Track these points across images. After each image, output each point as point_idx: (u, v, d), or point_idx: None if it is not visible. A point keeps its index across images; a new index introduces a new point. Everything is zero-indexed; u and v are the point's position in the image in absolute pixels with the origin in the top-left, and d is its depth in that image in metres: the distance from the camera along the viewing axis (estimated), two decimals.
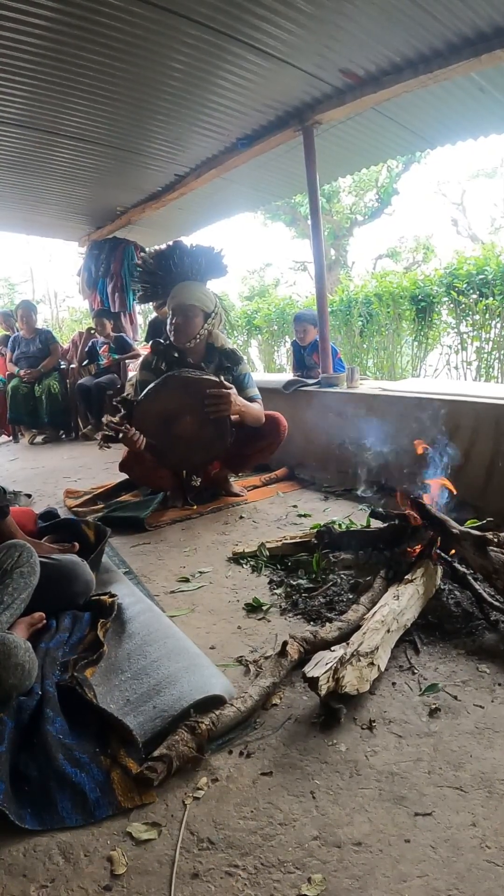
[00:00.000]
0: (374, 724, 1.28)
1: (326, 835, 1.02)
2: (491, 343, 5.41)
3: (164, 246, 2.93)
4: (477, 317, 5.42)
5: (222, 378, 2.78)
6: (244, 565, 2.23)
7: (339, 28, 2.70)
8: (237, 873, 0.96)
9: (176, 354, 2.86)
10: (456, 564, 1.81)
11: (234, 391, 2.68)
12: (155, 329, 4.94)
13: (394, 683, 1.43)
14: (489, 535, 1.71)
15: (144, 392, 2.66)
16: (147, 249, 5.85)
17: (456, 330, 5.75)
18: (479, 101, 3.42)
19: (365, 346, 6.70)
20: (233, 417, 2.72)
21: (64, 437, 5.91)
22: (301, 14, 2.59)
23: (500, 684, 1.39)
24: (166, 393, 2.65)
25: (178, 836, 1.04)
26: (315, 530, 2.21)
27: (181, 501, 2.98)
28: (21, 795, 1.11)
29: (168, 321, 2.86)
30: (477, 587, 1.70)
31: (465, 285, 5.35)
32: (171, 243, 2.90)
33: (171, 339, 2.84)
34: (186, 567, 2.26)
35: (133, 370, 5.09)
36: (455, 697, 1.35)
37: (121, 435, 2.60)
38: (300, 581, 2.02)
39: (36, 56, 2.82)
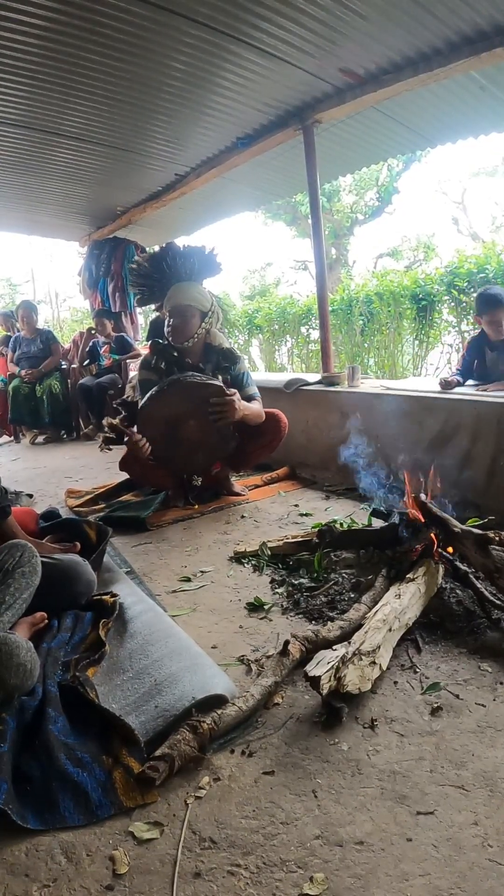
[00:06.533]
0: (375, 723, 1.28)
1: (328, 834, 1.02)
2: None
3: (156, 248, 2.94)
4: None
5: (221, 378, 2.78)
6: (246, 565, 2.23)
7: (339, 27, 2.70)
8: (239, 872, 0.96)
9: (175, 354, 2.86)
10: (457, 563, 1.81)
11: (237, 396, 2.68)
12: (156, 329, 4.93)
13: (395, 682, 1.43)
14: (491, 533, 1.71)
15: (148, 395, 2.66)
16: (147, 249, 5.87)
17: (457, 329, 5.74)
18: (479, 100, 3.42)
19: (366, 344, 6.69)
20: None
21: (65, 437, 5.92)
22: (301, 13, 2.59)
23: (501, 683, 1.39)
24: (170, 397, 2.65)
25: (180, 835, 1.04)
26: (316, 529, 2.21)
27: (182, 501, 2.98)
28: (23, 795, 1.12)
29: (166, 322, 2.87)
30: (479, 586, 1.70)
31: (465, 284, 5.34)
32: (163, 245, 2.91)
33: (170, 339, 2.85)
34: (188, 566, 2.26)
35: (134, 370, 5.10)
36: (457, 696, 1.35)
37: (126, 439, 2.60)
38: (302, 580, 2.02)
39: (36, 56, 2.82)
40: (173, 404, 2.66)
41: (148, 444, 2.61)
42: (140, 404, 2.69)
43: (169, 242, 2.93)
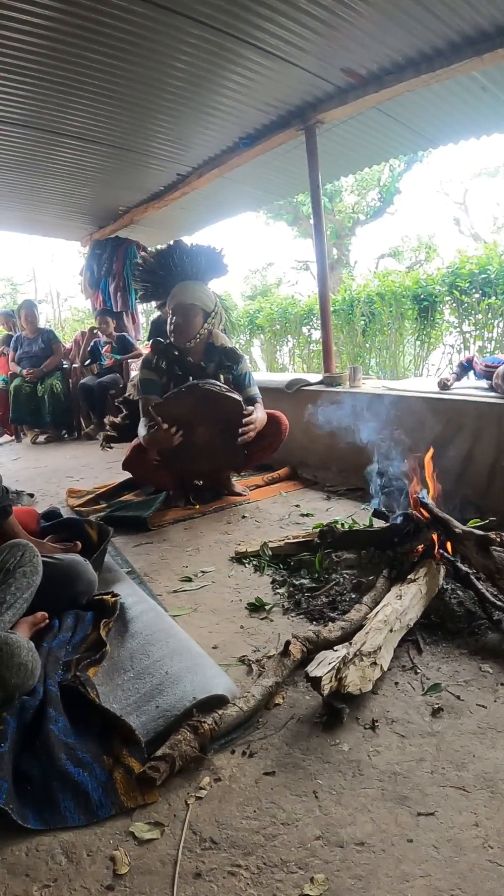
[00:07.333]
0: (376, 724, 1.28)
1: (329, 834, 1.02)
2: (493, 342, 5.39)
3: (164, 246, 2.93)
4: (479, 316, 5.41)
5: (223, 378, 2.78)
6: (247, 565, 2.23)
7: (341, 27, 2.70)
8: (240, 873, 0.96)
9: (176, 353, 2.86)
10: (458, 564, 1.81)
11: (255, 416, 2.71)
12: (157, 328, 4.95)
13: (396, 683, 1.43)
14: (492, 534, 1.71)
15: (166, 395, 2.66)
16: (149, 249, 5.86)
17: (458, 329, 5.74)
18: (481, 100, 3.42)
19: (367, 345, 6.69)
20: None
21: (66, 437, 5.93)
22: (304, 13, 2.58)
23: (502, 684, 1.39)
24: (186, 400, 2.65)
25: (180, 835, 1.04)
26: (318, 530, 2.21)
27: (183, 501, 2.98)
28: (24, 795, 1.12)
29: (168, 321, 2.86)
30: (480, 587, 1.70)
31: (467, 284, 5.34)
32: (171, 243, 2.90)
33: (171, 338, 2.84)
34: (189, 566, 2.26)
35: (136, 370, 5.10)
36: (458, 697, 1.35)
37: (155, 428, 2.58)
38: (303, 581, 2.02)
39: (38, 56, 2.82)
40: (186, 409, 2.66)
41: (179, 434, 2.59)
42: (140, 398, 2.68)
43: (177, 240, 2.92)
